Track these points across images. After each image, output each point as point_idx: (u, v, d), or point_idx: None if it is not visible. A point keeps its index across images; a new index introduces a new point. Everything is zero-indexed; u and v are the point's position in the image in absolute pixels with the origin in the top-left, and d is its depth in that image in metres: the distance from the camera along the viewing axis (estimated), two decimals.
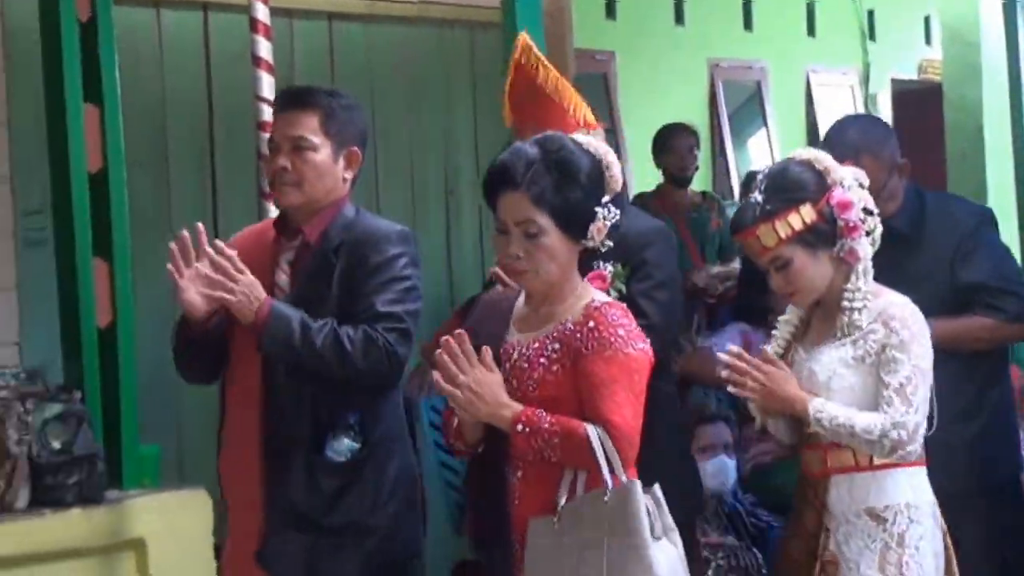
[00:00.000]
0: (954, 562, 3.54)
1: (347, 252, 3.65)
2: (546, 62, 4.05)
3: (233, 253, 3.58)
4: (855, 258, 3.47)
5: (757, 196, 3.48)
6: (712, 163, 9.09)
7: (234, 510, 3.73)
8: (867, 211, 3.46)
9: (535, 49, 4.06)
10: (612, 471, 3.14)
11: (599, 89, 7.67)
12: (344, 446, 3.60)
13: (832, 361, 3.46)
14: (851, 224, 3.46)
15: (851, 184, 3.46)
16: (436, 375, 3.21)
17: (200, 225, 3.61)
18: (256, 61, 4.93)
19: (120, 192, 4.68)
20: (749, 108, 9.54)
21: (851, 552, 3.44)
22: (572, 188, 3.24)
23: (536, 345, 3.28)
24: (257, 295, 3.56)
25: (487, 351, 3.22)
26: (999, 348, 4.29)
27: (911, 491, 3.47)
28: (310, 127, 3.70)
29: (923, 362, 3.42)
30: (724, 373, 3.47)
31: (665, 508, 3.19)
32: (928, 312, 3.52)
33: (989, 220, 4.34)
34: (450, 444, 3.45)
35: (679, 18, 8.93)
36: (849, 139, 4.13)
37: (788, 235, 3.45)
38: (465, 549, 5.06)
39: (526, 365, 3.27)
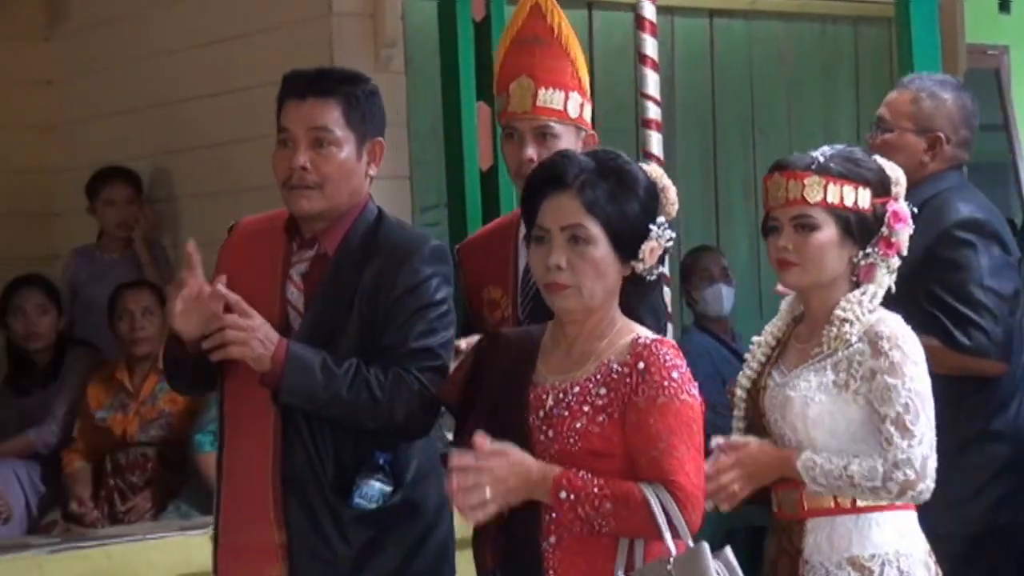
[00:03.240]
0: None
1: (372, 270, 3.09)
2: (562, 14, 3.62)
3: (238, 300, 3.01)
4: (869, 277, 3.04)
5: (821, 153, 3.04)
6: None
7: (239, 553, 3.15)
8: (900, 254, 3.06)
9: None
10: (676, 536, 2.68)
11: (990, 85, 7.33)
12: (375, 491, 3.08)
13: (810, 386, 2.99)
14: (893, 240, 3.04)
15: (908, 211, 3.06)
16: (460, 505, 2.71)
17: (190, 245, 3.06)
18: (642, 58, 4.92)
19: (509, 188, 4.81)
20: None
21: None
22: (628, 198, 2.80)
23: (577, 390, 2.77)
24: (271, 338, 3.00)
25: (481, 438, 2.71)
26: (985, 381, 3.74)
27: (899, 537, 2.99)
28: (332, 118, 3.13)
29: (920, 385, 2.95)
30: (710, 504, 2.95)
31: (739, 573, 2.76)
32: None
33: (977, 230, 3.75)
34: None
35: None
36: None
37: (835, 203, 3.00)
38: None
39: (566, 414, 2.76)
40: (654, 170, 2.92)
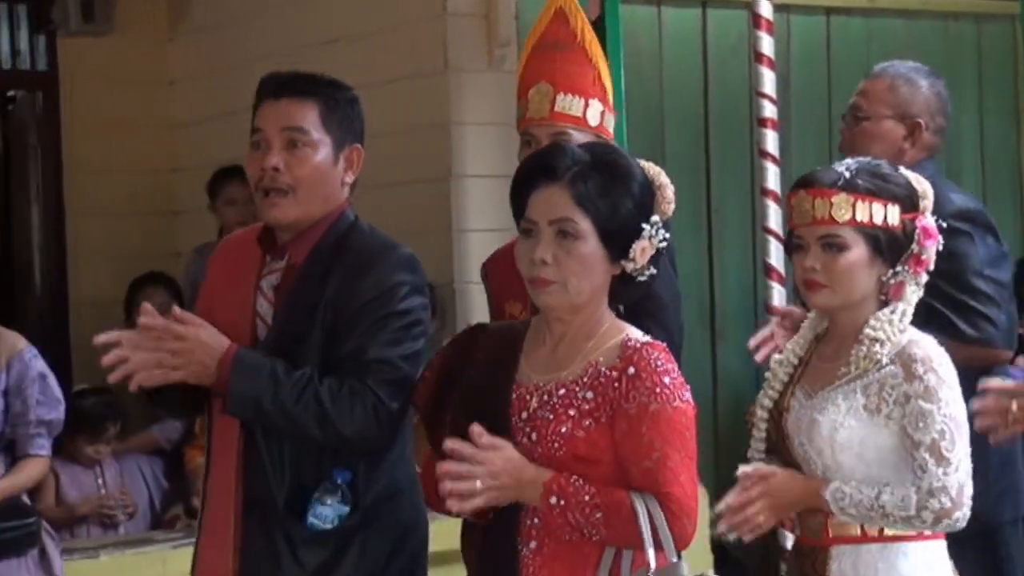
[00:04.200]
0: None
1: (337, 277, 2.97)
2: (586, 19, 3.55)
3: (165, 323, 2.89)
4: (899, 295, 2.95)
5: (846, 168, 2.94)
6: None
7: None
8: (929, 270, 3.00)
9: (576, 2, 3.54)
10: (659, 550, 2.61)
11: None
12: (330, 511, 2.96)
13: (839, 410, 2.90)
14: (923, 257, 2.95)
15: (936, 226, 2.99)
16: (453, 504, 2.64)
17: (145, 306, 2.93)
18: (758, 57, 4.90)
19: None
20: None
21: None
22: (621, 194, 2.67)
23: (562, 392, 2.68)
24: (210, 353, 2.88)
25: (479, 433, 2.62)
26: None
27: (927, 568, 2.91)
28: (308, 119, 3.01)
29: (956, 410, 2.86)
30: (722, 529, 2.89)
31: None
32: None
33: (972, 220, 3.75)
34: (438, 506, 2.77)
35: None
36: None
37: (865, 221, 2.90)
38: None
39: (550, 417, 2.67)
40: (651, 168, 2.79)
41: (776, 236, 4.73)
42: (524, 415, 2.69)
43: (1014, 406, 2.88)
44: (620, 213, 2.66)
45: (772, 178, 4.78)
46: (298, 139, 2.99)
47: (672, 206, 2.75)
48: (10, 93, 7.21)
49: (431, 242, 5.11)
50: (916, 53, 6.21)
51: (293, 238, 3.02)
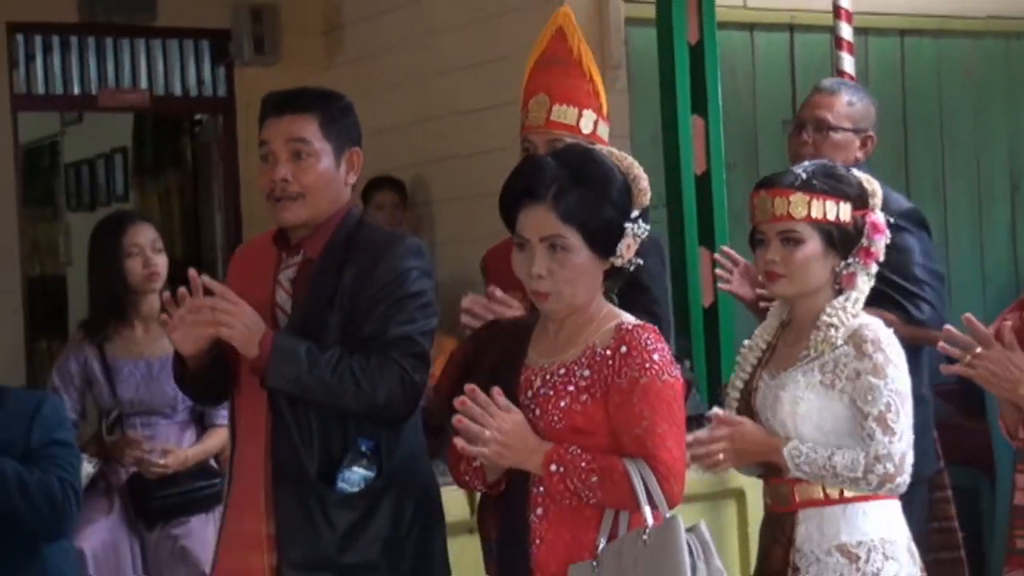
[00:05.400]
0: None
1: (352, 268, 3.01)
2: (582, 38, 3.52)
3: (223, 288, 2.96)
4: (851, 284, 3.00)
5: (803, 170, 2.99)
6: None
7: (232, 548, 3.09)
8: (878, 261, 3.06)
9: (574, 21, 3.54)
10: (655, 508, 2.63)
11: None
12: (357, 476, 2.96)
13: (798, 386, 2.94)
14: (872, 250, 2.99)
15: (884, 221, 3.04)
16: (459, 441, 2.67)
17: (192, 271, 2.97)
18: (839, 74, 4.96)
19: (720, 191, 4.93)
20: None
21: None
22: (602, 202, 2.68)
23: (563, 372, 2.72)
24: (258, 325, 2.94)
25: (498, 392, 2.68)
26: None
27: (885, 525, 2.94)
28: (310, 130, 3.03)
29: (901, 385, 2.91)
30: (690, 455, 2.90)
31: (713, 550, 2.65)
32: None
33: (912, 219, 3.96)
34: (461, 480, 2.85)
35: None
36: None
37: (819, 217, 2.94)
38: None
39: (551, 393, 2.71)
40: (624, 159, 2.80)
41: None
42: (529, 393, 2.74)
43: (978, 351, 2.96)
44: (603, 220, 2.70)
45: None
46: (302, 150, 3.02)
47: (647, 195, 2.77)
48: (196, 117, 7.49)
49: None
50: (981, 71, 6.32)
51: (306, 236, 3.08)
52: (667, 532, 2.60)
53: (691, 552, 2.61)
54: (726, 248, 3.99)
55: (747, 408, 3.06)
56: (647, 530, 2.61)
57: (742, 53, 5.91)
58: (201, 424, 4.44)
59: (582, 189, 2.69)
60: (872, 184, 3.06)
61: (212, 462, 4.44)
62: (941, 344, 3.02)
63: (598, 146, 3.04)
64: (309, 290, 3.03)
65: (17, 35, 6.49)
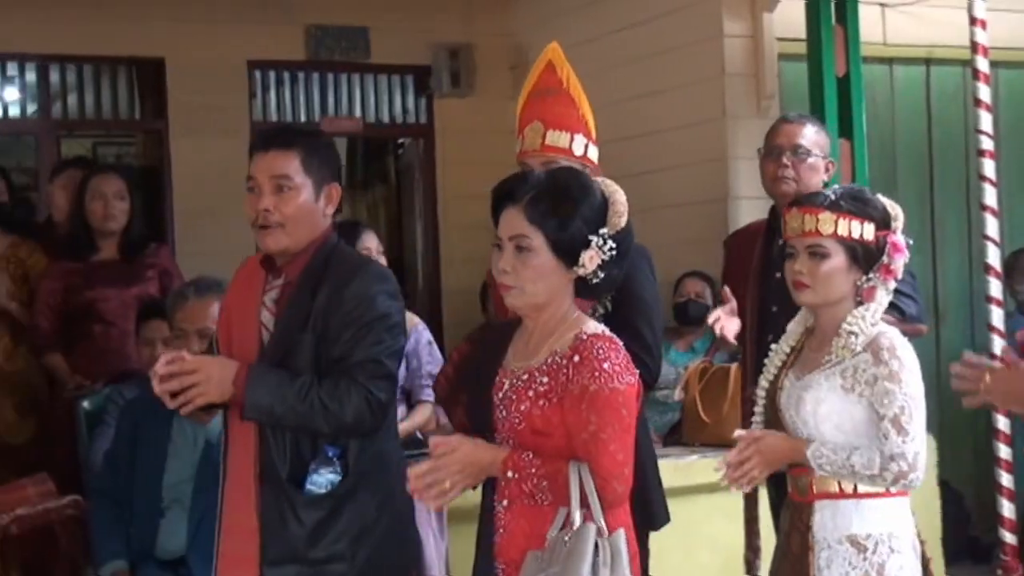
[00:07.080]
0: None
1: (324, 291, 3.00)
2: (572, 70, 3.44)
3: (178, 356, 2.92)
4: (871, 297, 2.94)
5: (832, 192, 2.96)
6: None
7: (230, 536, 3.09)
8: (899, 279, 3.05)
9: (562, 55, 3.42)
10: (587, 509, 2.59)
11: None
12: (324, 479, 2.95)
13: (821, 388, 2.89)
14: (892, 267, 2.93)
15: (905, 242, 3.01)
16: (437, 503, 2.63)
17: (160, 356, 2.97)
18: (976, 102, 4.81)
19: None
20: None
21: None
22: (568, 211, 2.62)
23: (526, 377, 2.67)
24: (227, 371, 2.95)
25: (435, 444, 2.64)
26: None
27: (894, 521, 2.90)
28: (292, 166, 3.00)
29: (915, 389, 2.85)
30: (724, 477, 2.86)
31: (624, 559, 2.56)
32: None
33: None
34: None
35: None
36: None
37: (844, 235, 2.88)
38: None
39: (514, 397, 2.66)
40: (609, 184, 2.79)
41: (993, 242, 4.63)
42: (500, 395, 2.73)
43: (987, 378, 2.82)
44: (568, 229, 2.65)
45: (990, 197, 4.68)
46: (284, 184, 3.02)
47: (623, 218, 2.72)
48: (400, 141, 7.80)
49: (709, 249, 5.25)
50: None
51: (288, 261, 3.10)
52: (581, 536, 2.58)
53: (598, 553, 2.56)
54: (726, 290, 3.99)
55: (772, 405, 3.07)
56: (571, 531, 2.61)
57: (883, 84, 6.05)
58: (408, 401, 4.48)
59: (555, 198, 2.66)
60: (895, 209, 3.06)
61: (419, 434, 4.45)
62: (957, 371, 2.91)
63: (595, 177, 2.98)
64: (287, 311, 3.07)
65: (255, 71, 6.96)
